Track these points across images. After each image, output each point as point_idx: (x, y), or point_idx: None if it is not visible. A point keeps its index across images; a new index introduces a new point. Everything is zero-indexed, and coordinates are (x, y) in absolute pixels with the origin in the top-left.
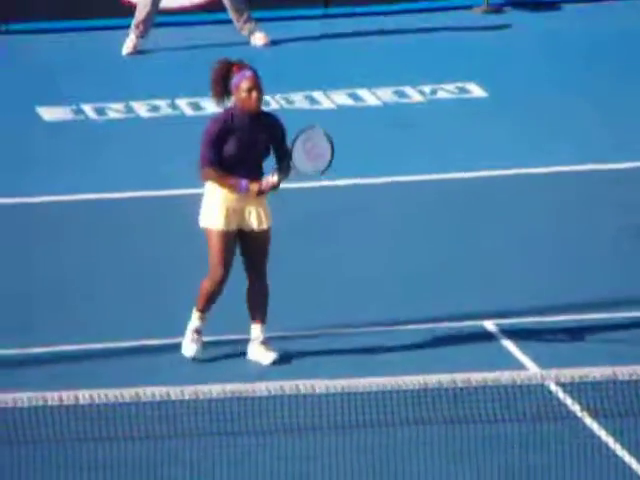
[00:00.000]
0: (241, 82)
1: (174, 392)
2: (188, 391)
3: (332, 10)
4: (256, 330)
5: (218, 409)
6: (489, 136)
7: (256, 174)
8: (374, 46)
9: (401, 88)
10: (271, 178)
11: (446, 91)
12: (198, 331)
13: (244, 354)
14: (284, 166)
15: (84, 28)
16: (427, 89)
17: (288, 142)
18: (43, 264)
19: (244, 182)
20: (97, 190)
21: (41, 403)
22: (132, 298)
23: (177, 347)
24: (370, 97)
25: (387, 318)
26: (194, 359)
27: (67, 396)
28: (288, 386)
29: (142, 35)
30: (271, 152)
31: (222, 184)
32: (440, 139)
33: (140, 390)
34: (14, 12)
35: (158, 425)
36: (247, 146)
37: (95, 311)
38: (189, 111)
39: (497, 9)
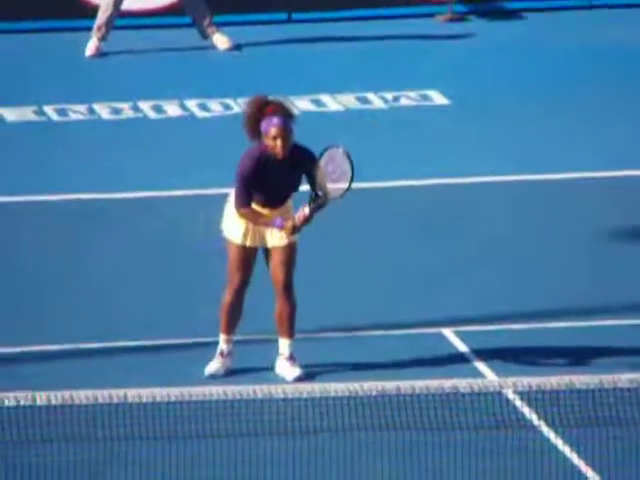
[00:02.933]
0: (269, 129)
1: (116, 395)
2: (131, 394)
3: (295, 15)
4: (282, 345)
5: (162, 412)
6: (451, 143)
7: (284, 202)
8: (337, 52)
9: (363, 94)
10: (302, 212)
11: (408, 98)
12: (222, 354)
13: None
14: (315, 196)
15: (47, 29)
16: (390, 96)
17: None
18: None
19: (278, 221)
20: (57, 191)
21: None
22: (77, 303)
23: (125, 350)
24: (332, 103)
25: (345, 325)
26: (212, 376)
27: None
28: (246, 391)
29: (104, 37)
30: (302, 183)
31: (256, 223)
32: (402, 146)
33: (74, 393)
34: None
35: (100, 428)
36: (277, 184)
37: (38, 313)
38: (151, 114)
39: (461, 17)
